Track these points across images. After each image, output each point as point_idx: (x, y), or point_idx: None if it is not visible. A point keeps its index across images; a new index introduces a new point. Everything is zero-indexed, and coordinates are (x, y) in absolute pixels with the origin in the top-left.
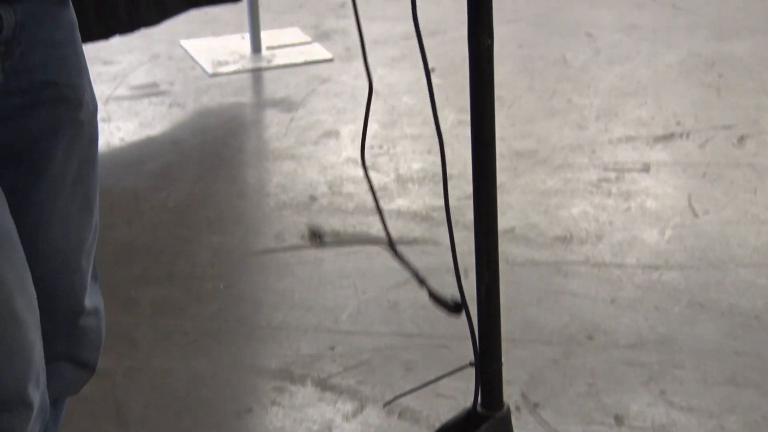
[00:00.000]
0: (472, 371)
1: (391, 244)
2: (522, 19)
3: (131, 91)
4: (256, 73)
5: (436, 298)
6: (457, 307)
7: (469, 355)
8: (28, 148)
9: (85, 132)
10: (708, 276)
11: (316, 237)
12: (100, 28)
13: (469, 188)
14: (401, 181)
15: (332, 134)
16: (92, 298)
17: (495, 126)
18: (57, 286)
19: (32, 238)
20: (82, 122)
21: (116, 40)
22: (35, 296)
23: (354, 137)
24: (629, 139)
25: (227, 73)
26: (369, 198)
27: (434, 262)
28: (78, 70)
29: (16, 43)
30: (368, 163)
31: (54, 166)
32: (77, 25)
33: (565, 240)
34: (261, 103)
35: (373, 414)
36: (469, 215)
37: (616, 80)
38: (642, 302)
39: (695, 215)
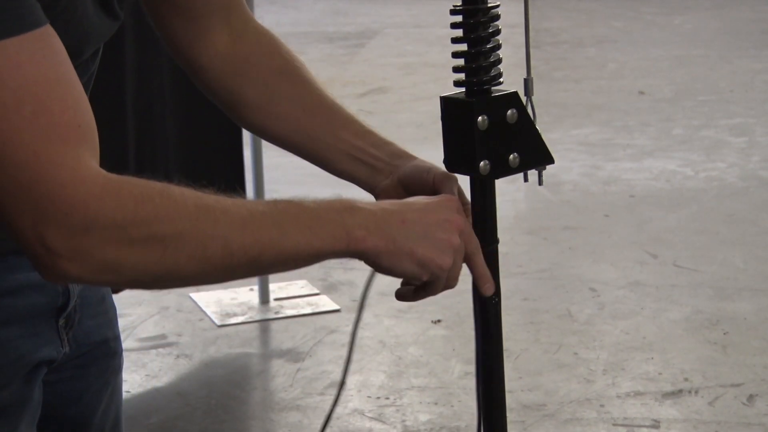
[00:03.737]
0: None
1: None
2: (526, 273)
3: (139, 343)
4: (264, 324)
5: None
6: None
7: None
8: (76, 404)
9: (119, 378)
10: None
11: None
12: None
13: None
14: None
15: (338, 385)
16: None
17: (504, 383)
18: None
19: None
20: (119, 369)
21: (126, 293)
22: None
23: (360, 387)
24: (638, 394)
25: (235, 324)
26: None
27: None
28: (116, 317)
29: (74, 311)
30: (375, 414)
31: (96, 418)
32: None
33: None
34: (268, 353)
35: None
36: None
37: (621, 335)
38: None
39: None
